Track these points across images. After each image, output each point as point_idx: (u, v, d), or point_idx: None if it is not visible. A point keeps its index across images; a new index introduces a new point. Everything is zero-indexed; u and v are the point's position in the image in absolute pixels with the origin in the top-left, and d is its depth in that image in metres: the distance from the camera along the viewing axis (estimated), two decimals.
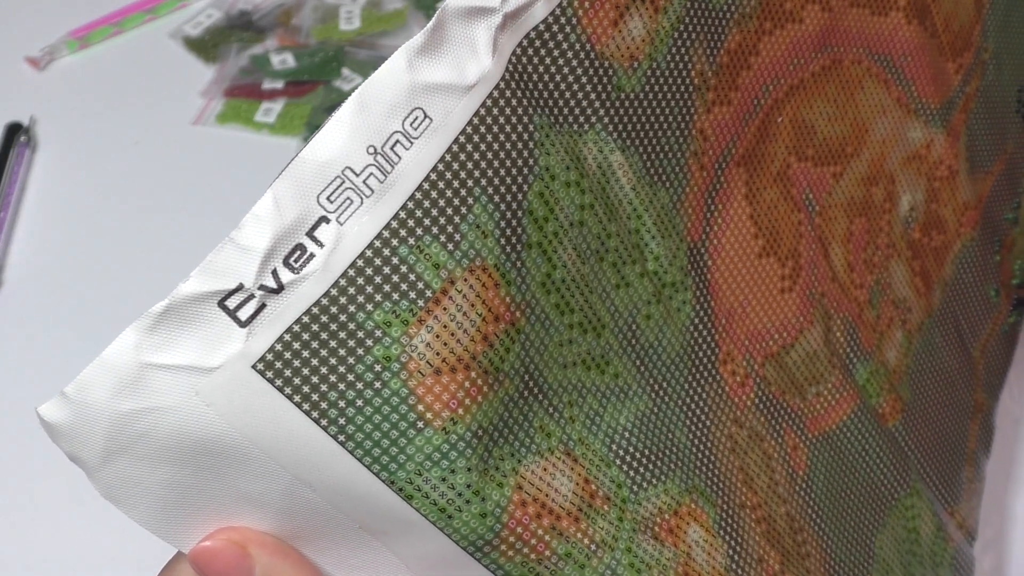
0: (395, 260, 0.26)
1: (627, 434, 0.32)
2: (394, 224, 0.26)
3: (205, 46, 0.71)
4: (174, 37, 0.72)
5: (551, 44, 0.30)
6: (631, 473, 0.32)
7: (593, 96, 0.31)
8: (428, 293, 0.27)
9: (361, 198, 0.26)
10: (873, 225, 0.42)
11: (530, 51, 0.29)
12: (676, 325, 0.34)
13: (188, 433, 0.26)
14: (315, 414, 0.26)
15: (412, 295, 0.26)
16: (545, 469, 0.30)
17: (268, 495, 0.27)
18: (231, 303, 0.25)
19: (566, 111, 0.31)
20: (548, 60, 0.30)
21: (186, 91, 0.68)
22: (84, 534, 0.49)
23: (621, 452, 0.32)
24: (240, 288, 0.25)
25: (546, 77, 0.30)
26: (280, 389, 0.25)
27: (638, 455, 0.32)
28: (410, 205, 0.27)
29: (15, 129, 0.65)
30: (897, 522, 0.44)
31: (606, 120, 0.32)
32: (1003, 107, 0.48)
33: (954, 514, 0.46)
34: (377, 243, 0.26)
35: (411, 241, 0.26)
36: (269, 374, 0.25)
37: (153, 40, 0.71)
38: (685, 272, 0.34)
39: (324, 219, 0.26)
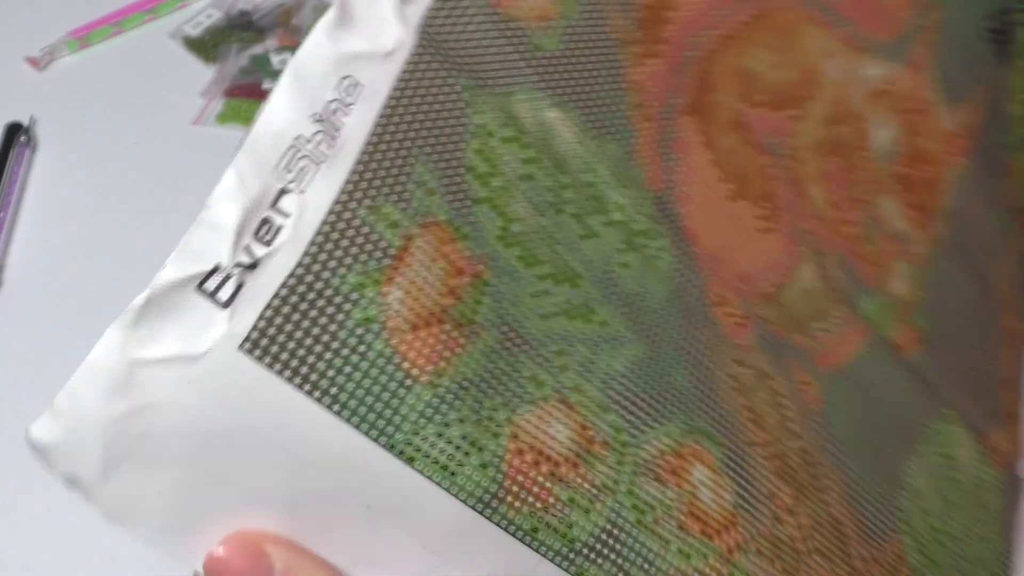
0: (357, 222, 0.27)
1: (623, 379, 0.32)
2: (349, 187, 0.27)
3: (205, 46, 0.71)
4: (174, 37, 0.72)
5: (457, 11, 0.31)
6: (630, 417, 0.32)
7: (515, 57, 0.32)
8: (391, 251, 0.27)
9: (316, 165, 0.27)
10: (849, 163, 0.43)
11: (438, 19, 0.30)
12: (657, 272, 0.35)
13: (186, 426, 0.25)
14: (307, 387, 0.25)
15: (378, 255, 0.27)
16: (540, 417, 0.30)
17: (273, 488, 0.27)
18: (210, 285, 0.25)
19: (490, 72, 0.32)
20: (458, 26, 0.31)
21: (186, 91, 0.68)
22: (84, 534, 0.49)
23: (618, 397, 0.32)
24: (217, 269, 0.25)
25: (460, 41, 0.31)
26: (269, 367, 0.25)
27: (636, 399, 0.32)
28: (359, 167, 0.27)
29: (15, 129, 0.65)
30: (929, 449, 0.43)
31: (534, 79, 0.33)
32: (970, 36, 0.49)
33: (995, 438, 0.46)
34: (338, 207, 0.26)
35: (367, 202, 0.27)
36: (256, 352, 0.25)
37: (153, 40, 0.71)
38: (655, 220, 0.35)
39: (285, 190, 0.26)
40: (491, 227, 0.30)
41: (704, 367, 0.35)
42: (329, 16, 0.28)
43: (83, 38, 0.71)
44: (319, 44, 0.28)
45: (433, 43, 0.30)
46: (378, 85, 0.28)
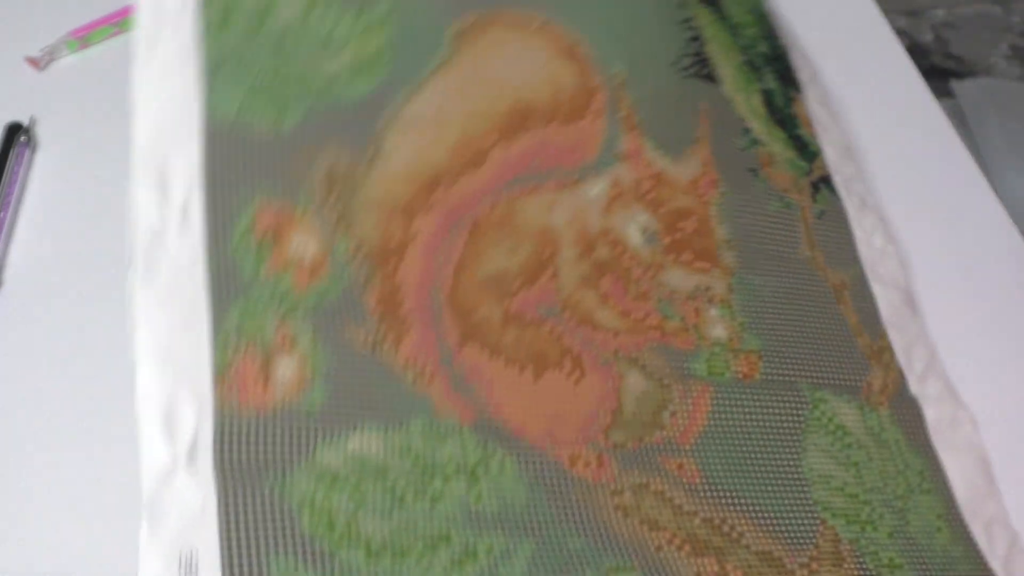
0: None
1: (530, 573, 0.38)
2: None
3: None
4: None
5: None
6: None
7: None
8: None
9: None
10: (619, 273, 0.48)
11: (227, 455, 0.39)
12: (509, 479, 0.40)
13: None
14: None
15: None
16: None
17: None
18: None
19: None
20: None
21: None
22: (83, 534, 0.49)
23: None
24: None
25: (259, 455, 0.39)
26: None
27: None
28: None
29: (15, 129, 0.65)
30: (816, 436, 0.48)
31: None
32: (670, 88, 0.53)
33: (871, 384, 0.50)
34: None
35: None
36: None
37: None
38: (484, 445, 0.41)
39: None
40: (355, 559, 0.36)
41: (589, 519, 0.40)
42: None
43: (83, 38, 0.71)
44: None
45: (233, 474, 0.37)
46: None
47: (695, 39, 0.56)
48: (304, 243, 0.43)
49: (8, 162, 0.63)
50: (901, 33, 1.41)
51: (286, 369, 0.40)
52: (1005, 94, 1.17)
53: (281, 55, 0.47)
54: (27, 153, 0.65)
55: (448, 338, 0.44)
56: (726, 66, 0.56)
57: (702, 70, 0.55)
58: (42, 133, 0.66)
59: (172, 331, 0.39)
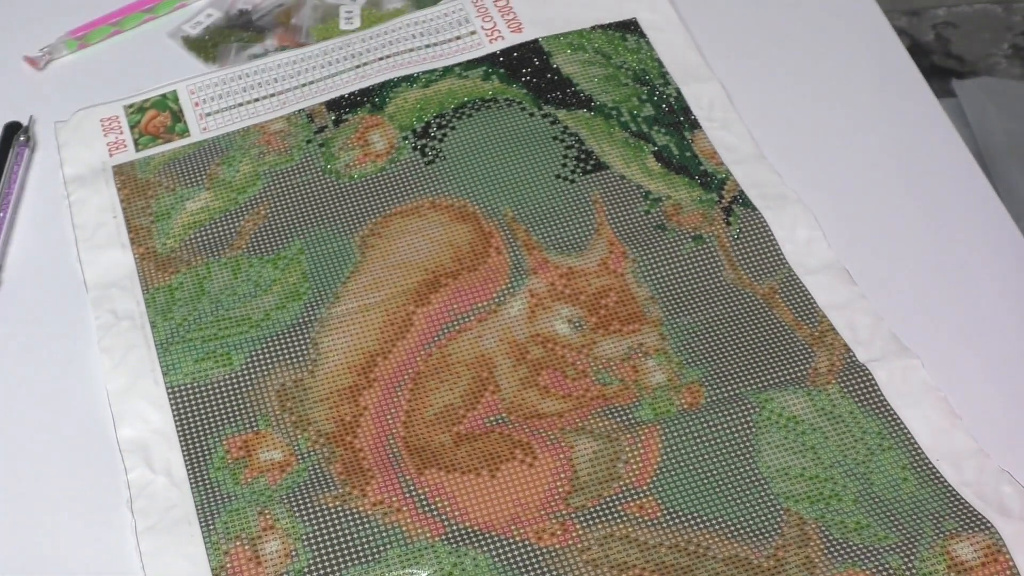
0: None
1: None
2: None
3: (204, 46, 0.71)
4: (173, 37, 0.72)
5: None
6: None
7: None
8: None
9: None
10: (554, 364, 0.54)
11: None
12: (485, 570, 0.47)
13: None
14: None
15: None
16: None
17: None
18: None
19: None
20: None
21: None
22: (83, 534, 0.49)
23: None
24: None
25: None
26: None
27: None
28: None
29: (15, 128, 0.65)
30: (769, 434, 0.51)
31: None
32: (558, 198, 0.61)
33: (816, 368, 0.54)
34: None
35: None
36: None
37: (152, 40, 0.71)
38: (455, 552, 0.47)
39: None
40: None
41: None
42: None
43: (82, 38, 0.71)
44: None
45: None
46: None
47: (573, 144, 0.63)
48: (270, 453, 0.51)
49: (8, 161, 0.63)
50: (902, 32, 1.41)
51: (272, 545, 0.48)
52: (1006, 93, 1.17)
53: (220, 310, 0.56)
54: (27, 152, 0.65)
55: (407, 472, 0.50)
56: (610, 151, 0.63)
57: (588, 164, 0.62)
58: (42, 133, 0.66)
59: (174, 554, 0.48)
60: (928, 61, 1.41)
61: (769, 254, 0.59)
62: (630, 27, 0.69)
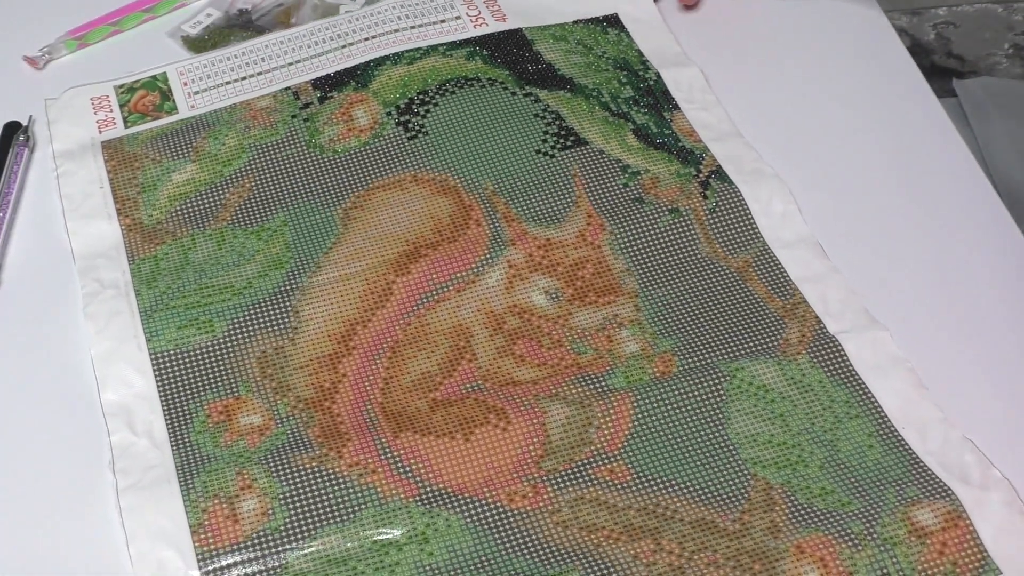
0: None
1: None
2: None
3: (204, 45, 0.71)
4: (173, 36, 0.72)
5: None
6: None
7: None
8: None
9: None
10: (530, 333, 0.55)
11: None
12: (457, 530, 0.48)
13: None
14: None
15: None
16: None
17: None
18: None
19: None
20: None
21: None
22: (83, 533, 0.49)
23: None
24: None
25: None
26: None
27: None
28: None
29: (14, 128, 0.65)
30: (739, 402, 0.52)
31: None
32: (538, 172, 0.62)
33: (787, 339, 0.55)
34: None
35: None
36: None
37: (152, 39, 0.71)
38: (428, 512, 0.48)
39: None
40: None
41: (530, 541, 0.48)
42: None
43: (82, 37, 0.71)
44: None
45: None
46: None
47: (553, 122, 0.64)
48: (250, 417, 0.52)
49: (7, 161, 0.63)
50: (903, 32, 1.41)
51: (250, 504, 0.49)
52: (1007, 93, 1.16)
53: (204, 279, 0.57)
54: (26, 152, 0.65)
55: (383, 436, 0.51)
56: (590, 128, 0.64)
57: (567, 140, 0.64)
58: (41, 132, 0.66)
59: (153, 512, 0.49)
60: (928, 61, 1.41)
61: (744, 228, 0.60)
62: (611, 21, 0.71)
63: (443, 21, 0.69)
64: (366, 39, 0.68)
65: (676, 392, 0.53)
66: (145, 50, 0.70)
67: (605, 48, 0.69)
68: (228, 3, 0.74)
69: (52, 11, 0.73)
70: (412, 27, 0.69)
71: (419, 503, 0.49)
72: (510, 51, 0.68)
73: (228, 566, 0.47)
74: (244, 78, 0.67)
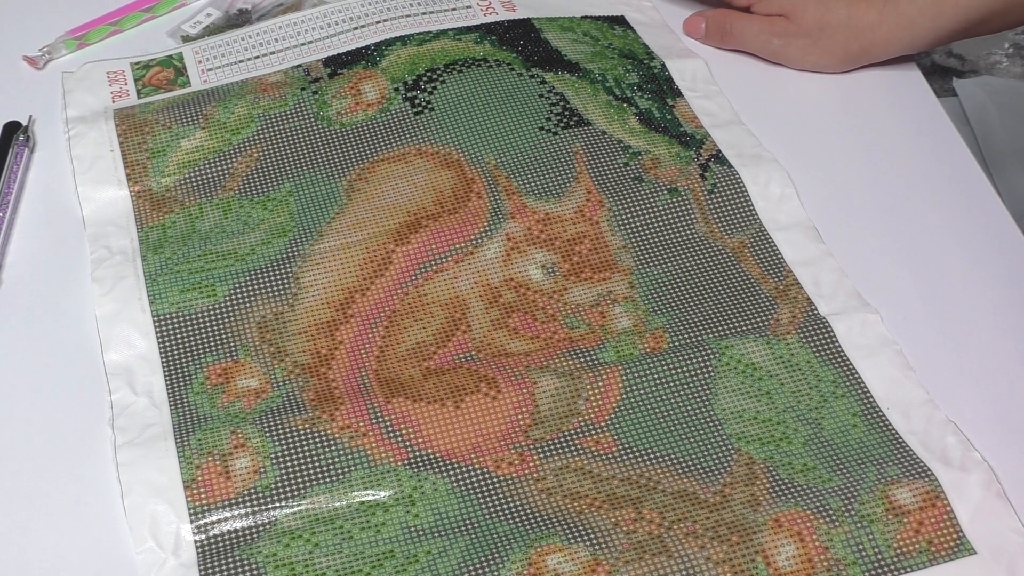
0: None
1: (464, 566, 0.47)
2: None
3: None
4: (172, 36, 0.72)
5: None
6: None
7: None
8: None
9: None
10: (524, 307, 0.56)
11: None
12: (444, 494, 0.49)
13: None
14: None
15: None
16: None
17: None
18: None
19: None
20: None
21: None
22: (83, 533, 0.49)
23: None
24: None
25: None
26: None
27: (481, 566, 0.47)
28: None
29: (14, 128, 0.65)
30: (727, 379, 0.53)
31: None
32: (540, 148, 0.63)
33: (778, 319, 0.56)
34: None
35: None
36: None
37: (151, 39, 0.72)
38: (416, 476, 0.49)
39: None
40: None
41: (515, 507, 0.49)
42: None
43: (81, 37, 0.71)
44: None
45: (210, 554, 0.47)
46: None
47: (558, 102, 0.65)
48: (248, 381, 0.53)
49: (7, 161, 0.63)
50: None
51: (242, 462, 0.50)
52: (1007, 92, 1.16)
53: (209, 244, 0.58)
54: (26, 152, 0.65)
55: (375, 400, 0.52)
56: (593, 110, 0.65)
57: (571, 121, 0.65)
58: (41, 132, 0.66)
59: (149, 467, 0.50)
60: (928, 60, 1.41)
61: (741, 209, 0.61)
62: (617, 20, 0.72)
63: (454, 9, 0.71)
64: (377, 22, 0.70)
65: (665, 367, 0.53)
66: (145, 50, 0.70)
67: (612, 40, 0.70)
68: (228, 3, 0.74)
69: (52, 11, 0.73)
70: (423, 13, 0.70)
71: (407, 467, 0.50)
72: (518, 37, 0.69)
73: (219, 520, 0.48)
74: (257, 57, 0.69)
